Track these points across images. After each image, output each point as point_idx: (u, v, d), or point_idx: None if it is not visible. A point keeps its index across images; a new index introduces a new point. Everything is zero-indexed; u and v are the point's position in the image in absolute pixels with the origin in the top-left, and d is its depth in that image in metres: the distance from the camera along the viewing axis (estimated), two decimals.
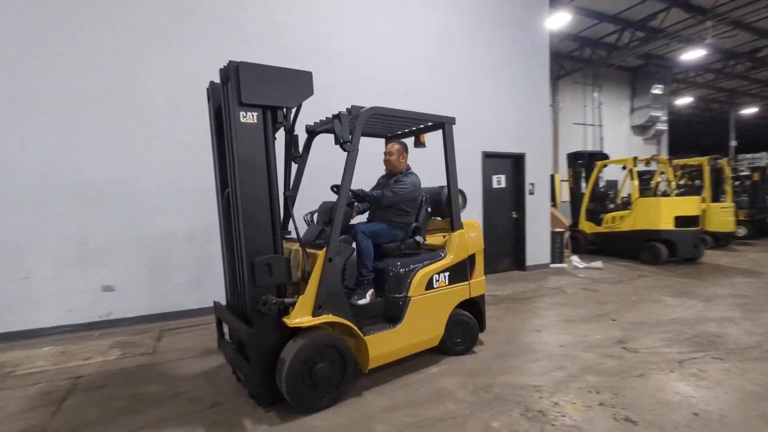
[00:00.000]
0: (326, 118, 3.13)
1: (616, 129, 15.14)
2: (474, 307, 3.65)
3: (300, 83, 2.71)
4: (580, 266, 7.83)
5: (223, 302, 3.30)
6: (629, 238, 8.29)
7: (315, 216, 3.55)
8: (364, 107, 2.91)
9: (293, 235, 2.92)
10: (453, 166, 3.54)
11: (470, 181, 6.81)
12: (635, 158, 8.67)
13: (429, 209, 3.62)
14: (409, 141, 3.77)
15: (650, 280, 6.58)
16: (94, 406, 2.80)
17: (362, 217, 3.75)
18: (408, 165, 3.58)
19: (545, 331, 4.22)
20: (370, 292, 3.09)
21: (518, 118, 7.26)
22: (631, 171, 8.55)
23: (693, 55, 12.46)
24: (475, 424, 2.50)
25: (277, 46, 5.19)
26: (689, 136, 21.53)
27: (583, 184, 9.80)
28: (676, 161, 9.60)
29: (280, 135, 2.92)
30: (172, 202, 4.75)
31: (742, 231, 10.67)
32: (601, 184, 9.93)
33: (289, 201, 2.93)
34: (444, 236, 3.64)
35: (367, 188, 3.46)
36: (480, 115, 6.81)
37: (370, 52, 5.85)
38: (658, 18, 10.64)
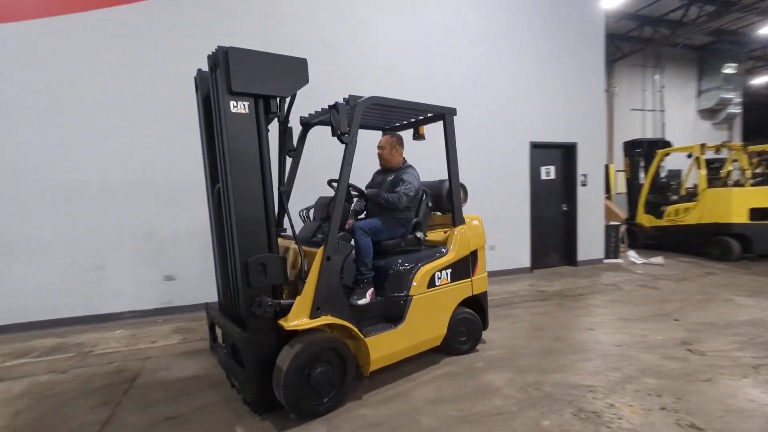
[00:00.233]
0: (322, 109, 2.98)
1: (680, 114, 13.98)
2: (477, 304, 3.52)
3: (294, 71, 2.54)
4: (638, 262, 7.37)
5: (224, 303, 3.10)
6: (695, 232, 7.68)
7: (311, 212, 3.38)
8: (362, 97, 2.76)
9: (289, 232, 2.79)
10: (454, 159, 3.36)
11: (516, 173, 6.61)
12: (703, 145, 7.98)
13: (430, 204, 3.45)
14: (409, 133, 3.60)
15: (719, 278, 6.05)
16: (160, 386, 3.04)
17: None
18: (404, 158, 3.41)
19: (599, 330, 4.02)
20: (370, 291, 2.92)
21: (569, 106, 6.91)
22: (698, 159, 7.90)
23: None
24: (524, 421, 2.43)
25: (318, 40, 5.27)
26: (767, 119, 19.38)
27: (642, 175, 9.17)
28: (751, 148, 8.67)
29: (274, 127, 2.79)
30: None
31: None
32: (663, 173, 9.22)
33: (284, 196, 2.79)
34: (445, 232, 3.49)
35: (361, 184, 3.31)
36: (527, 104, 6.57)
37: (411, 46, 5.81)
38: None
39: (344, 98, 2.71)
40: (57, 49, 4.47)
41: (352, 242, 3.00)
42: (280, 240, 2.90)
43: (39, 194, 4.45)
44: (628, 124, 13.02)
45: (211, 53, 2.47)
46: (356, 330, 2.66)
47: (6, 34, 4.33)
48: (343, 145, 2.65)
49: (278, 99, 2.56)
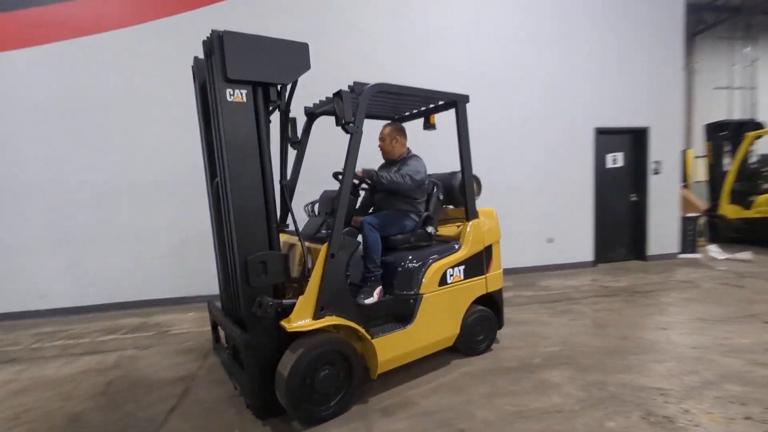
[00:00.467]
0: (326, 98, 2.78)
1: None
2: (491, 302, 3.34)
3: (295, 56, 2.37)
4: (720, 257, 6.67)
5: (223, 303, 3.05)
6: None
7: (316, 207, 3.25)
8: (368, 84, 2.56)
9: (292, 228, 2.66)
10: (467, 150, 3.16)
11: (579, 161, 6.23)
12: None
13: (441, 197, 3.28)
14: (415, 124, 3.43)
15: None
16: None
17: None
18: (408, 148, 3.27)
19: (672, 330, 3.70)
20: (378, 289, 2.78)
21: (640, 87, 6.36)
22: None
23: None
24: (586, 420, 2.32)
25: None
26: None
27: (727, 161, 8.21)
28: None
29: (277, 118, 2.68)
30: None
31: None
32: (752, 159, 8.21)
33: (287, 190, 2.69)
34: (458, 226, 3.31)
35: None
36: (592, 86, 6.15)
37: (479, 34, 5.65)
38: None
39: (349, 85, 2.52)
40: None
41: (359, 238, 2.84)
42: (285, 236, 2.83)
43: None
44: (710, 104, 11.69)
45: (206, 38, 2.33)
46: (363, 331, 2.52)
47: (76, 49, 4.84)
48: (348, 136, 2.50)
49: (278, 87, 2.41)
